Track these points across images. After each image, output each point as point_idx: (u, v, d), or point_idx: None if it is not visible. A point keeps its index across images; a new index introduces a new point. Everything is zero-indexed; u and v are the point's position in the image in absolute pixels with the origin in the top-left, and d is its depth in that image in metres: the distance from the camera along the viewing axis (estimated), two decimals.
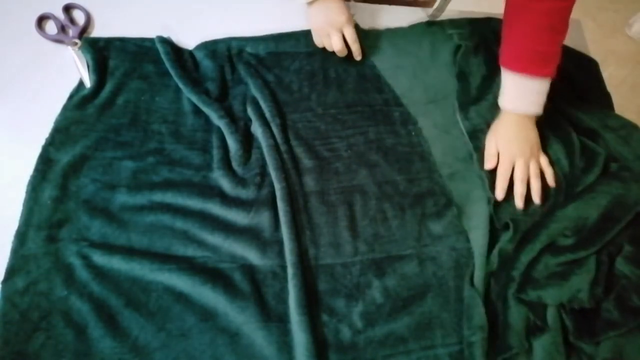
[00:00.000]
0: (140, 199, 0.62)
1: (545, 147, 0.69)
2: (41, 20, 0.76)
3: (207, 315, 0.56)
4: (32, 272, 0.57)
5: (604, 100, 0.76)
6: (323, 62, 0.76)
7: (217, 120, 0.68)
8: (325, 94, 0.73)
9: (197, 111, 0.69)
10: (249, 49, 0.76)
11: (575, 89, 0.76)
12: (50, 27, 0.76)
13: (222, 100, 0.71)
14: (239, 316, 0.56)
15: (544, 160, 0.67)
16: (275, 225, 0.62)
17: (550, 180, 0.66)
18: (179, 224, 0.61)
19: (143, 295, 0.57)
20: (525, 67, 0.63)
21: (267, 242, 0.61)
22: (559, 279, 0.58)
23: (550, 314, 0.57)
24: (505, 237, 0.62)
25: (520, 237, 0.62)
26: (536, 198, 0.64)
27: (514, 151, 0.65)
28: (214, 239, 0.60)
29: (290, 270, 0.58)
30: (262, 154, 0.67)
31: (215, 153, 0.66)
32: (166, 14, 0.78)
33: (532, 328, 0.57)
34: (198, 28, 0.77)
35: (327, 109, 0.72)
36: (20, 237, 0.59)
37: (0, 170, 0.65)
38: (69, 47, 0.73)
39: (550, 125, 0.69)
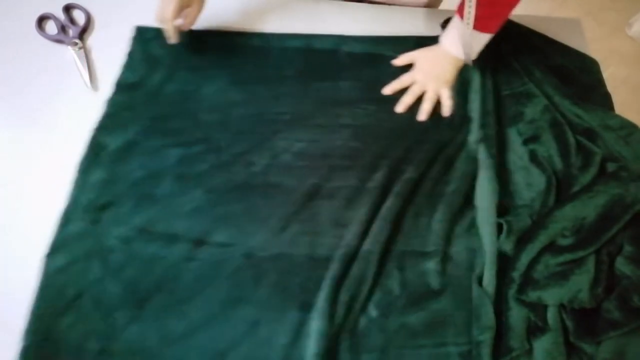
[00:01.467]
0: (185, 186, 0.64)
1: (538, 143, 0.69)
2: (41, 20, 0.76)
3: (230, 303, 0.57)
4: (73, 251, 0.58)
5: (604, 100, 0.76)
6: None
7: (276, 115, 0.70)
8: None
9: (244, 102, 0.71)
10: (345, 48, 0.77)
11: (576, 88, 0.76)
12: (50, 27, 0.76)
13: (297, 94, 0.73)
14: (261, 305, 0.57)
15: (445, 94, 0.73)
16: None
17: (445, 111, 0.72)
18: (220, 210, 0.62)
19: (173, 282, 0.58)
20: (475, 23, 0.67)
21: (298, 232, 0.62)
22: (559, 279, 0.58)
23: (551, 314, 0.57)
24: (501, 239, 0.62)
25: (518, 237, 0.61)
26: (421, 116, 0.72)
27: (422, 70, 0.74)
28: (252, 226, 0.62)
29: (338, 258, 0.59)
30: (315, 147, 0.68)
31: (263, 142, 0.68)
32: None
33: (532, 328, 0.57)
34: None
35: (413, 113, 0.72)
36: (66, 216, 0.60)
37: (0, 169, 0.65)
38: (69, 47, 0.74)
39: (546, 123, 0.70)
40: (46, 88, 0.71)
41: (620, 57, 1.85)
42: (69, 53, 0.73)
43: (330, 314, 0.55)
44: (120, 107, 0.69)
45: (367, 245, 0.60)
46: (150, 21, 0.77)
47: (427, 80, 0.73)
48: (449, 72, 0.74)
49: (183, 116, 0.69)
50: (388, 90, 0.73)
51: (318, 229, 0.62)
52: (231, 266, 0.59)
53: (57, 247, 0.58)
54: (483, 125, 0.69)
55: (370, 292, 0.59)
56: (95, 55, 0.75)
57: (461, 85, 0.75)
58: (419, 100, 0.73)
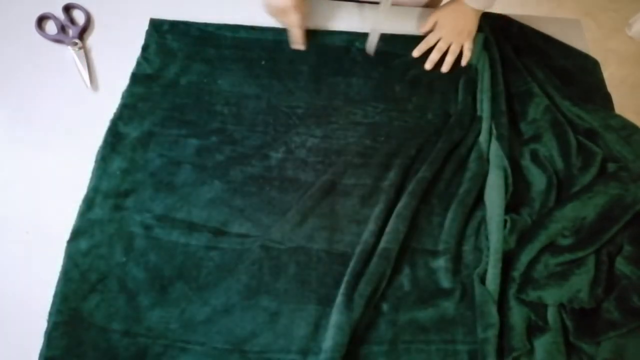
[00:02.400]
0: (203, 175, 0.65)
1: (539, 143, 0.69)
2: (41, 20, 0.76)
3: (251, 293, 0.58)
4: (96, 236, 0.60)
5: (604, 100, 0.76)
6: (428, 70, 0.77)
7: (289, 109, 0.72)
8: (426, 99, 0.75)
9: (258, 95, 0.72)
10: (357, 44, 0.78)
11: (577, 89, 0.76)
12: (50, 27, 0.76)
13: (312, 89, 0.74)
14: (281, 296, 0.58)
15: (467, 45, 0.76)
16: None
17: (464, 61, 0.77)
18: (237, 201, 0.64)
19: (195, 270, 0.59)
20: None
21: (316, 227, 0.63)
22: (559, 279, 0.58)
23: (551, 314, 0.57)
24: (504, 235, 0.61)
25: (518, 237, 0.62)
26: (444, 67, 0.76)
27: (445, 27, 0.77)
28: (269, 218, 0.63)
29: (356, 254, 0.60)
30: (329, 144, 0.69)
31: (278, 136, 0.69)
32: (167, 15, 0.78)
33: (532, 328, 0.57)
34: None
35: (424, 112, 0.73)
36: (88, 202, 0.62)
37: (0, 169, 0.65)
38: (69, 47, 0.73)
39: (548, 123, 0.69)
40: (46, 88, 0.71)
41: (620, 57, 1.85)
42: (69, 53, 0.73)
43: (349, 309, 0.56)
44: (137, 98, 0.70)
45: (383, 243, 0.60)
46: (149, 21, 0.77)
47: (451, 35, 0.76)
48: (470, 24, 0.77)
49: (199, 108, 0.70)
50: (417, 52, 0.77)
51: (336, 225, 0.63)
52: (250, 257, 0.60)
53: (80, 232, 0.60)
54: (497, 125, 0.69)
55: (382, 288, 0.59)
56: (95, 55, 0.75)
57: (470, 85, 0.75)
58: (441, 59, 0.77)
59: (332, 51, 0.78)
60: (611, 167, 0.66)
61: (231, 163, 0.66)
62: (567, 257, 0.59)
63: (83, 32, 0.76)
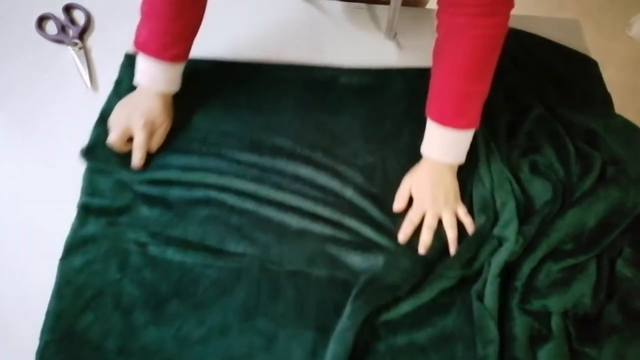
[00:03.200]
0: (197, 192, 0.63)
1: (538, 153, 0.67)
2: (41, 21, 0.76)
3: (248, 314, 0.57)
4: (90, 253, 0.58)
5: (605, 101, 0.76)
6: (417, 102, 0.68)
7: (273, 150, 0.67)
8: (418, 134, 0.66)
9: (239, 133, 0.68)
10: (343, 79, 0.75)
11: (576, 92, 0.75)
12: (50, 27, 0.76)
13: (295, 124, 0.70)
14: (278, 319, 0.56)
15: (461, 211, 0.63)
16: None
17: (469, 229, 0.62)
18: (234, 219, 0.62)
19: (191, 287, 0.58)
20: (446, 119, 0.61)
21: (315, 251, 0.60)
22: (562, 285, 0.57)
23: (555, 322, 0.56)
24: (508, 248, 0.60)
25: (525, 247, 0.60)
26: (452, 248, 0.61)
27: (426, 200, 0.63)
28: (266, 237, 0.61)
29: (362, 282, 0.57)
30: (325, 192, 0.64)
31: (262, 179, 0.64)
32: None
33: (535, 337, 0.56)
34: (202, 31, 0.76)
35: (417, 149, 0.66)
36: (81, 219, 0.60)
37: (1, 170, 0.65)
38: (69, 47, 0.74)
39: (543, 131, 0.69)
40: (46, 88, 0.71)
41: (620, 57, 1.85)
42: (69, 53, 0.73)
43: (348, 341, 0.54)
44: (105, 139, 0.64)
45: (392, 277, 0.57)
46: None
47: (437, 206, 0.63)
48: (452, 183, 0.64)
49: (176, 148, 0.66)
50: (402, 237, 0.62)
51: (339, 252, 0.60)
52: (248, 276, 0.58)
53: (74, 249, 0.58)
54: (498, 146, 0.67)
55: (380, 312, 0.57)
56: (95, 55, 0.75)
57: None
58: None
59: (316, 86, 0.73)
60: (610, 170, 0.65)
61: (220, 192, 0.62)
62: (569, 262, 0.59)
63: (83, 32, 0.76)
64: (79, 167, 0.64)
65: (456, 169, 0.65)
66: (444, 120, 0.61)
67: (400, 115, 0.72)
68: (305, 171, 0.65)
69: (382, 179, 0.66)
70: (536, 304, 0.57)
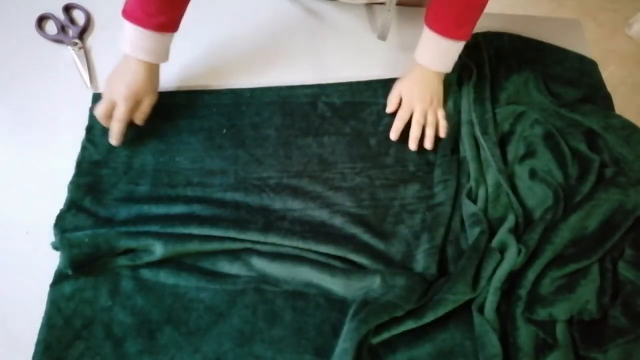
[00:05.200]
0: (184, 223, 0.59)
1: (535, 158, 0.67)
2: (41, 20, 0.76)
3: (244, 339, 0.55)
4: (80, 279, 0.57)
5: (605, 101, 0.76)
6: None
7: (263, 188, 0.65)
8: (404, 149, 0.69)
9: (223, 169, 0.66)
10: (324, 98, 0.73)
11: (576, 93, 0.75)
12: (50, 27, 0.76)
13: (283, 155, 0.68)
14: (275, 344, 0.55)
15: (441, 113, 0.71)
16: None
17: (442, 132, 0.70)
18: (227, 243, 0.59)
19: (184, 314, 0.56)
20: (447, 30, 0.66)
21: (313, 272, 0.58)
22: (566, 292, 0.57)
23: (560, 330, 0.55)
24: (510, 261, 0.59)
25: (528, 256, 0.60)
26: (427, 144, 0.69)
27: (415, 98, 0.70)
28: (260, 261, 0.59)
29: (358, 302, 0.56)
30: (311, 217, 0.63)
31: (253, 215, 0.62)
32: None
33: (540, 346, 0.55)
34: (199, 32, 0.76)
35: (404, 165, 0.68)
36: (70, 242, 0.57)
37: (1, 170, 0.65)
38: (69, 47, 0.73)
39: (538, 137, 0.68)
40: (46, 88, 0.71)
41: (620, 57, 1.85)
42: (69, 53, 0.73)
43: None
44: (84, 190, 0.62)
45: (389, 297, 0.55)
46: None
47: (423, 105, 0.70)
48: (438, 89, 0.72)
49: (158, 193, 0.63)
50: (394, 134, 0.69)
51: (335, 272, 0.58)
52: (244, 300, 0.57)
53: (64, 275, 0.56)
54: (492, 155, 0.66)
55: (379, 331, 0.56)
56: (95, 55, 0.75)
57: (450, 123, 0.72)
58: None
59: (297, 109, 0.71)
60: (608, 172, 0.65)
61: (204, 237, 0.59)
62: (573, 267, 0.58)
63: (83, 32, 0.76)
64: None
65: (443, 76, 0.72)
66: (444, 31, 0.66)
67: (385, 130, 0.71)
68: (293, 204, 0.64)
69: (370, 200, 0.65)
70: (542, 313, 0.56)
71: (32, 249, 0.59)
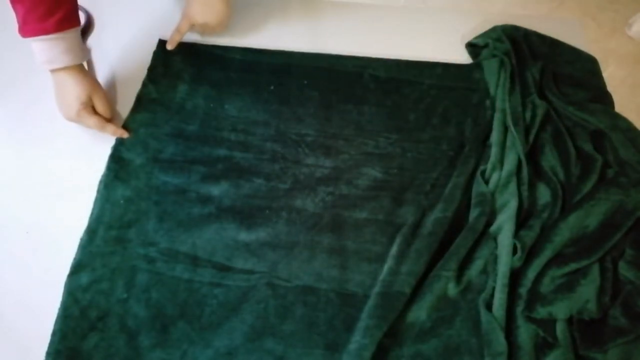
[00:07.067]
0: (209, 206, 0.63)
1: (541, 155, 0.67)
2: None
3: (255, 334, 0.56)
4: (97, 270, 0.58)
5: (605, 100, 0.76)
6: (443, 98, 0.75)
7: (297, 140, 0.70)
8: (441, 128, 0.72)
9: (267, 121, 0.70)
10: (370, 71, 0.76)
11: (583, 92, 0.75)
12: None
13: (322, 120, 0.72)
14: (287, 339, 0.56)
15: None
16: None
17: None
18: (243, 236, 0.61)
19: (197, 309, 0.57)
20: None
21: (324, 265, 0.60)
22: (566, 291, 0.57)
23: (560, 329, 0.55)
24: (505, 249, 0.59)
25: (527, 254, 0.60)
26: (169, 45, 0.72)
27: (199, 15, 0.72)
28: (275, 254, 0.61)
29: (373, 297, 0.57)
30: (339, 174, 0.67)
31: (286, 165, 0.67)
32: (167, 14, 0.78)
33: (541, 345, 0.55)
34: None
35: (438, 143, 0.70)
36: (90, 234, 0.60)
37: (1, 170, 0.65)
38: None
39: (547, 134, 0.68)
40: (46, 89, 0.71)
41: (620, 57, 1.85)
42: None
43: (361, 357, 0.53)
44: (140, 123, 0.68)
45: (399, 286, 0.57)
46: (152, 21, 0.77)
47: (207, 20, 0.73)
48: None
49: (205, 134, 0.69)
50: (170, 45, 0.73)
51: (345, 263, 0.61)
52: (256, 295, 0.58)
53: (82, 265, 0.58)
54: (525, 155, 0.66)
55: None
56: (95, 55, 0.75)
57: (482, 112, 0.73)
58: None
59: (343, 77, 0.75)
60: (609, 172, 0.65)
61: (237, 192, 0.64)
62: (573, 266, 0.58)
63: (83, 32, 0.76)
64: (79, 168, 0.65)
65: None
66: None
67: (426, 108, 0.73)
68: (325, 162, 0.68)
69: (398, 169, 0.68)
70: (542, 312, 0.56)
71: (32, 249, 0.59)
